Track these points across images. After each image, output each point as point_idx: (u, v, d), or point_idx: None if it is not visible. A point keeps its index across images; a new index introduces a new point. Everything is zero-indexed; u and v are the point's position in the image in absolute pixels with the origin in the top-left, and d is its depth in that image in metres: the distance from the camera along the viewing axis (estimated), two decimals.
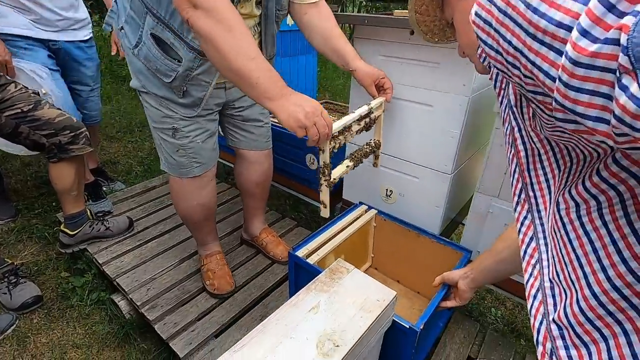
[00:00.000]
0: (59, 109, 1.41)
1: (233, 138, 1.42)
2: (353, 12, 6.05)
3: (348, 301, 0.88)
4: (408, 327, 0.96)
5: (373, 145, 1.31)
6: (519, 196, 0.49)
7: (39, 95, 1.40)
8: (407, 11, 1.19)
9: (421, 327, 0.96)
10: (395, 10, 1.21)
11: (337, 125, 1.03)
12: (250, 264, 1.61)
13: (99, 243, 1.66)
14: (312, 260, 1.16)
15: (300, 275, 1.23)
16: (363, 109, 1.15)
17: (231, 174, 2.26)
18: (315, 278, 0.95)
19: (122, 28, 1.09)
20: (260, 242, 1.66)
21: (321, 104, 2.19)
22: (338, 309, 0.85)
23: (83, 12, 1.76)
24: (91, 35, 1.82)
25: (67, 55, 1.72)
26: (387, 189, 1.52)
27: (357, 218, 1.42)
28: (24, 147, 1.40)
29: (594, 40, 0.23)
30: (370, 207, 1.49)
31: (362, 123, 1.16)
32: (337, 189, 1.79)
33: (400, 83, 1.31)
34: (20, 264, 1.62)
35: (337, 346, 0.76)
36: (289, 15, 1.95)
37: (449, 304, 1.10)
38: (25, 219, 1.91)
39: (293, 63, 2.06)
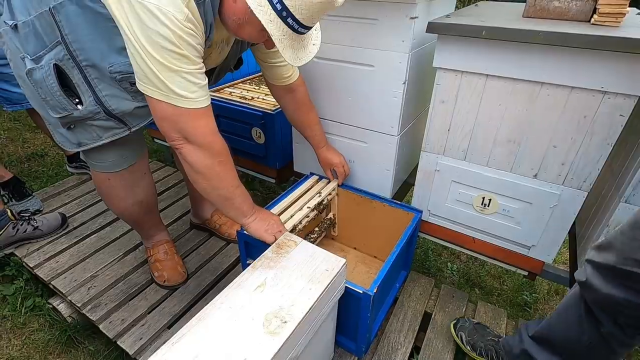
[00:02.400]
0: None
1: None
2: None
3: (296, 275, 0.84)
4: (362, 292, 0.95)
5: (329, 222, 1.45)
6: None
7: None
8: None
9: (375, 291, 0.95)
10: None
11: (293, 222, 1.20)
12: (203, 249, 1.53)
13: (28, 245, 1.49)
14: None
15: (252, 254, 1.18)
16: (315, 201, 1.31)
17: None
18: (261, 255, 0.90)
19: (16, 26, 0.88)
20: (213, 224, 1.58)
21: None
22: (285, 284, 0.81)
23: None
24: None
25: None
26: None
27: (310, 188, 1.38)
28: None
29: None
30: (321, 177, 1.45)
31: (316, 210, 1.31)
32: (287, 162, 1.72)
33: (341, 44, 1.24)
34: None
35: (285, 322, 0.72)
36: None
37: None
38: None
39: None
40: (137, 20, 0.73)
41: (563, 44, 0.87)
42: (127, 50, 0.79)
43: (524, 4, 1.14)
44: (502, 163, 1.13)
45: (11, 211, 1.51)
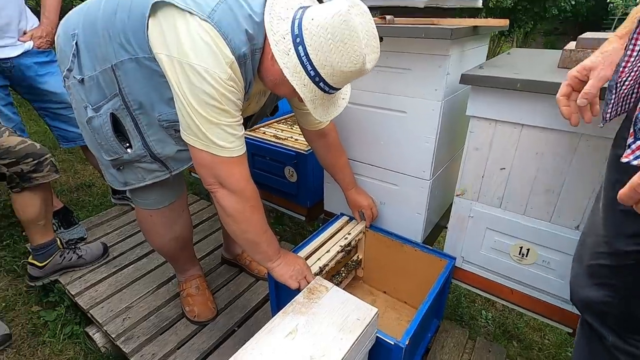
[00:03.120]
0: (20, 135, 1.34)
1: None
2: None
3: (327, 322, 0.84)
4: (393, 343, 0.92)
5: (356, 263, 1.44)
6: None
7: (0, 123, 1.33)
8: (375, 18, 1.18)
9: (407, 343, 0.92)
10: None
11: (321, 264, 1.20)
12: (232, 284, 1.55)
13: (71, 273, 1.58)
14: None
15: (281, 294, 1.19)
16: (343, 242, 1.32)
17: None
18: (292, 300, 0.91)
19: (82, 80, 0.98)
20: (243, 260, 1.61)
21: None
22: (317, 331, 0.81)
23: (33, 21, 1.55)
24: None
25: (21, 72, 1.53)
26: None
27: (339, 229, 1.39)
28: None
29: None
30: (352, 218, 1.46)
31: (344, 252, 1.31)
32: (318, 200, 1.75)
33: (373, 91, 1.29)
34: None
35: None
36: None
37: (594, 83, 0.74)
38: None
39: None
40: (186, 80, 0.80)
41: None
42: (175, 104, 0.87)
43: (559, 51, 1.14)
44: (540, 212, 1.09)
45: (60, 240, 1.62)
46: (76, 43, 0.96)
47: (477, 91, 1.05)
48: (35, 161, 1.34)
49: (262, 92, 1.08)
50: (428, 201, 1.33)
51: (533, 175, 1.07)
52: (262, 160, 1.81)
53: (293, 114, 2.15)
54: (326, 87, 0.85)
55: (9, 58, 1.43)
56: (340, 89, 0.89)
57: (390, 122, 1.30)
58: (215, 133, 0.86)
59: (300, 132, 1.87)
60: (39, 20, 1.57)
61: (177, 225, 1.24)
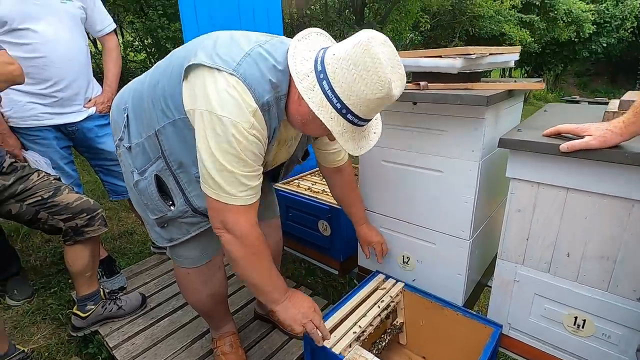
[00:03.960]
0: (77, 192, 1.46)
1: None
2: None
3: None
4: None
5: (397, 329, 1.39)
6: None
7: (59, 180, 1.46)
8: (409, 84, 1.23)
9: None
10: None
11: (358, 329, 1.16)
12: (265, 342, 1.52)
13: (111, 323, 1.62)
14: (329, 344, 1.09)
15: (318, 357, 1.15)
16: (381, 305, 1.27)
17: None
18: None
19: (130, 148, 1.07)
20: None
21: None
22: None
23: (97, 89, 1.73)
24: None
25: (83, 134, 1.68)
26: (404, 256, 1.46)
27: (376, 289, 1.35)
28: None
29: None
30: (388, 277, 1.42)
31: (382, 315, 1.27)
32: (351, 254, 1.73)
33: (409, 150, 1.31)
34: (32, 351, 1.58)
35: None
36: None
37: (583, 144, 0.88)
38: (41, 298, 1.91)
39: None
40: (212, 130, 0.85)
41: None
42: (197, 155, 0.91)
43: (597, 107, 1.13)
44: (595, 281, 1.02)
45: (103, 290, 1.68)
46: (127, 115, 1.06)
47: (517, 154, 1.04)
48: (89, 216, 1.43)
49: (294, 137, 1.11)
50: (468, 261, 1.29)
51: (583, 240, 1.01)
52: (296, 213, 1.84)
53: None
54: (355, 119, 0.85)
55: (75, 122, 1.60)
56: (369, 120, 0.88)
57: (426, 181, 1.30)
58: (229, 181, 0.89)
59: None
60: (101, 88, 1.76)
61: (213, 282, 1.26)
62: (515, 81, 1.42)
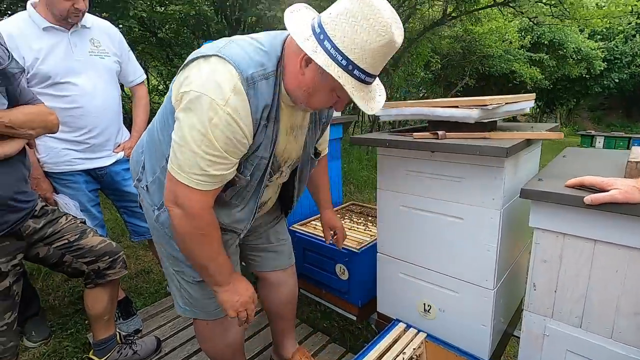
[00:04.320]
0: (101, 235, 1.49)
1: (254, 262, 1.39)
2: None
3: None
4: None
5: None
6: None
7: (85, 223, 1.50)
8: (426, 133, 1.26)
9: None
10: (415, 133, 1.27)
11: None
12: None
13: None
14: None
15: None
16: (402, 357, 1.24)
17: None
18: None
19: (147, 187, 1.09)
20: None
21: (347, 206, 2.22)
22: None
23: (126, 134, 1.81)
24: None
25: (111, 178, 1.74)
26: (424, 304, 1.42)
27: (397, 340, 1.31)
28: None
29: None
30: (409, 326, 1.38)
31: None
32: (370, 299, 1.69)
33: (427, 196, 1.32)
34: None
35: None
36: None
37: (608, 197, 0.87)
38: (58, 340, 1.90)
39: None
40: (186, 106, 0.85)
41: None
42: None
43: (618, 153, 1.12)
44: (631, 339, 0.97)
45: (119, 334, 1.67)
46: (143, 157, 1.10)
47: (540, 205, 1.04)
48: (111, 259, 1.46)
49: (300, 125, 1.06)
50: (493, 312, 1.24)
51: (616, 294, 0.97)
52: (313, 256, 1.83)
53: (342, 206, 2.22)
54: (361, 75, 0.83)
55: (104, 167, 1.68)
56: (374, 76, 0.87)
57: (446, 227, 1.29)
58: (187, 160, 0.86)
59: (352, 227, 1.92)
60: (129, 133, 1.85)
61: (230, 333, 1.24)
62: (532, 127, 1.44)
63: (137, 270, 2.56)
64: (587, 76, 9.58)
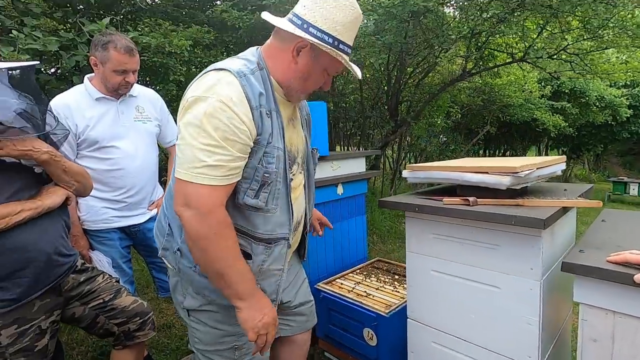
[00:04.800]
0: (133, 295, 1.50)
1: (288, 327, 1.35)
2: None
3: None
4: None
5: None
6: None
7: (119, 282, 1.52)
8: (457, 199, 1.25)
9: None
10: (445, 198, 1.27)
11: None
12: None
13: None
14: None
15: None
16: None
17: None
18: None
19: (178, 250, 1.06)
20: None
21: (373, 262, 2.17)
22: None
23: (160, 192, 1.87)
24: None
25: (144, 234, 1.80)
26: None
27: None
28: None
29: None
30: None
31: None
32: None
33: (460, 262, 1.28)
34: None
35: None
36: (340, 185, 2.13)
37: None
38: None
39: (344, 226, 2.16)
40: (186, 110, 0.93)
41: None
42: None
43: None
44: None
45: None
46: (167, 222, 1.10)
47: (584, 279, 0.98)
48: (141, 320, 1.46)
49: (295, 117, 1.14)
50: None
51: None
52: (339, 317, 1.77)
53: (368, 263, 2.18)
54: (346, 48, 0.98)
55: (138, 224, 1.74)
56: (351, 47, 1.02)
57: (481, 296, 1.23)
58: (187, 155, 0.90)
59: (379, 286, 1.86)
60: (163, 190, 1.94)
61: None
62: (565, 189, 1.41)
63: (159, 324, 2.53)
64: (612, 123, 9.41)
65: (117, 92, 1.62)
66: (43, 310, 1.18)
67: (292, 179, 1.09)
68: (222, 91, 0.90)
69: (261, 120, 0.95)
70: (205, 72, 0.97)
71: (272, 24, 1.00)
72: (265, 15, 1.01)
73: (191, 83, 0.98)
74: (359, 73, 1.05)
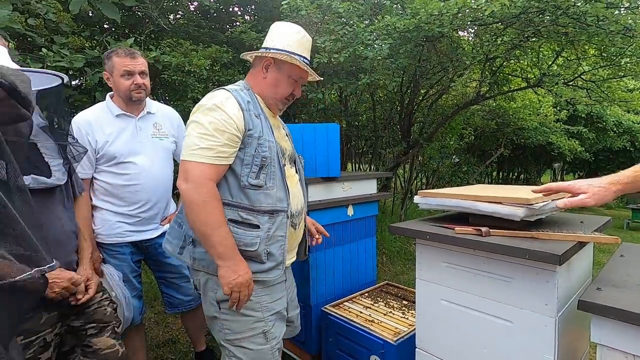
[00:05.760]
0: (116, 339, 1.40)
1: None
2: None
3: None
4: None
5: None
6: None
7: (116, 310, 1.45)
8: (469, 228, 1.23)
9: None
10: (457, 227, 1.25)
11: None
12: None
13: None
14: None
15: None
16: None
17: None
18: None
19: (192, 240, 1.30)
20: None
21: (382, 286, 2.14)
22: None
23: (173, 207, 1.89)
24: None
25: (155, 249, 1.80)
26: None
27: None
28: None
29: None
30: None
31: None
32: None
33: (471, 292, 1.25)
34: None
35: None
36: (350, 206, 2.13)
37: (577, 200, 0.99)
38: None
39: (353, 248, 2.14)
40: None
41: None
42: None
43: None
44: None
45: None
46: (184, 227, 1.33)
47: (602, 319, 0.95)
48: None
49: (278, 125, 1.43)
50: None
51: None
52: (346, 343, 1.73)
53: (377, 286, 2.14)
54: (301, 58, 1.31)
55: (151, 239, 1.76)
56: (307, 57, 1.36)
57: (493, 330, 1.20)
58: (187, 143, 1.20)
59: (387, 311, 1.82)
60: (176, 205, 1.96)
61: None
62: (582, 221, 1.38)
63: (164, 339, 2.52)
64: (631, 149, 9.21)
65: (131, 99, 1.64)
66: (49, 323, 1.18)
67: (284, 165, 1.34)
68: (217, 99, 1.22)
69: (251, 119, 1.24)
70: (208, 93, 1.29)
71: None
72: (243, 55, 1.40)
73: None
74: (317, 77, 1.41)
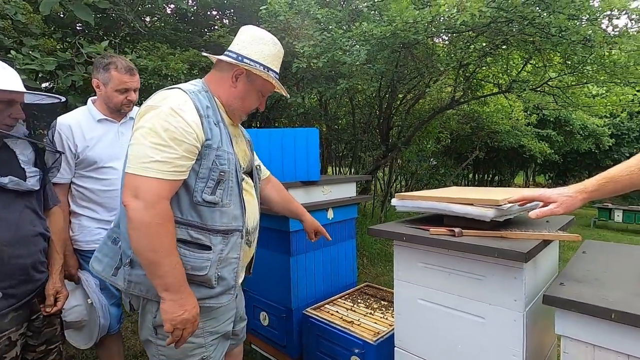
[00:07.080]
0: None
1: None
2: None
3: None
4: None
5: None
6: None
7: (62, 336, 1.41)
8: (443, 229, 1.28)
9: None
10: (432, 229, 1.30)
11: None
12: None
13: None
14: None
15: None
16: None
17: None
18: None
19: (129, 261, 1.10)
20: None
21: (362, 287, 2.17)
22: None
23: None
24: None
25: None
26: None
27: None
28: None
29: None
30: None
31: None
32: None
33: (446, 291, 1.30)
34: None
35: None
36: (330, 209, 2.16)
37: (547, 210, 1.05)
38: None
39: (333, 251, 2.17)
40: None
41: None
42: None
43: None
44: None
45: None
46: (120, 244, 1.18)
47: (565, 312, 1.01)
48: None
49: (237, 134, 1.29)
50: None
51: None
52: (327, 344, 1.75)
53: (357, 288, 2.17)
54: (274, 74, 1.20)
55: None
56: (278, 73, 1.24)
57: (467, 326, 1.25)
58: (137, 152, 1.01)
59: (366, 312, 1.86)
60: None
61: None
62: (547, 220, 1.46)
63: (141, 349, 2.46)
64: (596, 151, 9.73)
65: (119, 111, 1.64)
66: (15, 322, 1.17)
67: (243, 179, 1.23)
68: (172, 101, 1.05)
69: (210, 128, 1.09)
70: (158, 91, 1.11)
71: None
72: (206, 54, 1.27)
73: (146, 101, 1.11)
74: (286, 93, 1.31)
